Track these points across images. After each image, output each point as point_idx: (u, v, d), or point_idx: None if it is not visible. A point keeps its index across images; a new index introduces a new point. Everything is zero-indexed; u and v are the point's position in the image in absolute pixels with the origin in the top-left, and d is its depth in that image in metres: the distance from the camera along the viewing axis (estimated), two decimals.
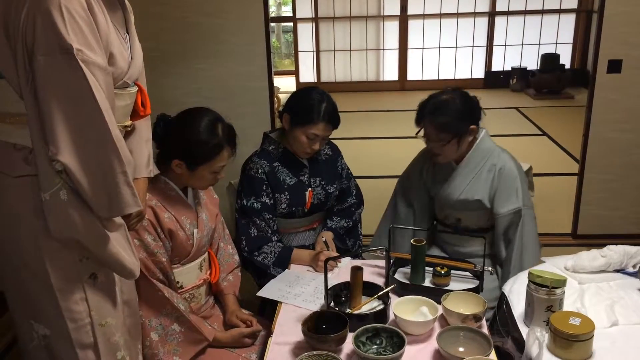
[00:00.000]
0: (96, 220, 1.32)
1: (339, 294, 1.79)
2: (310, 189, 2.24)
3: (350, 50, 7.68)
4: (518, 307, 1.74)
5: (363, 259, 2.25)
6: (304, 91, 2.21)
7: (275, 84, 3.33)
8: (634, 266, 1.94)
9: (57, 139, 1.23)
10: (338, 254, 2.10)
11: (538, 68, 7.25)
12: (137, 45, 1.53)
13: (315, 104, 2.10)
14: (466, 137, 2.13)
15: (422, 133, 2.18)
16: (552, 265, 1.97)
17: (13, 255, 1.40)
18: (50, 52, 1.21)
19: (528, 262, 2.04)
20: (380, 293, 1.76)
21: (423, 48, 7.63)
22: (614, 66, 2.94)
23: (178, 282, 1.85)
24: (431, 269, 1.89)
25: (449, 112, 2.08)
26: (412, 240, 1.86)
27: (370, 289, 1.79)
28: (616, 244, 1.97)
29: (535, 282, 1.61)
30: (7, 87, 1.31)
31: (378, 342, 1.56)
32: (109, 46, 1.34)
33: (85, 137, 1.26)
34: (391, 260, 1.94)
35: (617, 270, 1.93)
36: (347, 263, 2.09)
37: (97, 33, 1.29)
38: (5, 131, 1.35)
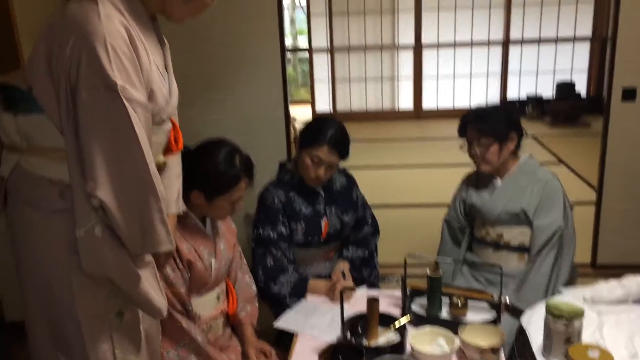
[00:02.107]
0: (128, 257, 1.31)
1: (355, 325, 1.79)
2: (325, 218, 2.25)
3: (366, 79, 7.76)
4: (537, 339, 1.72)
5: (379, 288, 2.24)
6: (318, 118, 2.27)
7: (291, 114, 3.37)
8: None
9: (96, 174, 1.22)
10: (354, 284, 2.10)
11: (554, 96, 7.26)
12: (174, 82, 1.53)
13: (323, 128, 2.13)
14: (507, 143, 2.23)
15: (465, 148, 2.30)
16: (571, 296, 1.95)
17: (43, 290, 1.40)
18: (95, 88, 1.22)
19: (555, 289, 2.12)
20: (396, 325, 1.76)
21: (438, 77, 7.69)
22: (629, 94, 2.95)
23: (196, 312, 1.87)
24: (448, 299, 1.89)
25: (490, 117, 2.24)
26: (427, 271, 1.86)
27: (387, 320, 1.78)
28: (634, 274, 1.95)
29: (552, 313, 1.60)
30: (47, 122, 1.32)
31: None
32: (149, 83, 1.35)
33: (124, 173, 1.25)
34: (407, 291, 1.93)
35: (636, 301, 1.91)
36: (363, 293, 2.09)
37: (139, 70, 1.30)
38: (43, 166, 1.36)
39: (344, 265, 2.26)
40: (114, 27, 1.25)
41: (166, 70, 1.51)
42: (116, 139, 1.24)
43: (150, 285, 1.39)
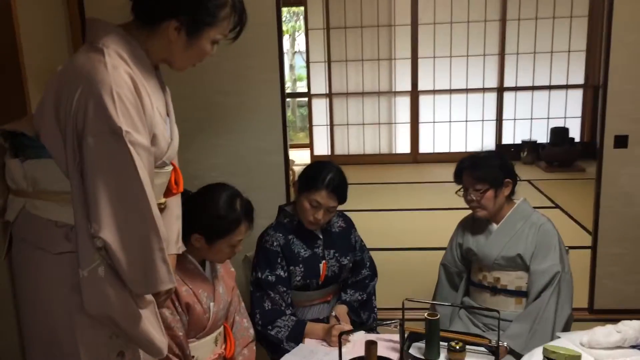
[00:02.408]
0: (130, 297, 1.34)
1: None
2: (324, 260, 2.27)
3: (363, 124, 7.87)
4: None
5: (377, 332, 2.24)
6: (317, 162, 2.31)
7: (290, 157, 3.41)
8: None
9: (100, 216, 1.26)
10: (352, 328, 2.11)
11: (548, 141, 7.36)
12: (175, 126, 1.59)
13: (322, 173, 2.17)
14: (502, 189, 2.28)
15: (460, 193, 2.34)
16: (568, 341, 1.95)
17: (44, 331, 1.41)
18: (101, 133, 1.26)
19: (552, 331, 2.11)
20: None
21: (434, 122, 7.80)
22: (620, 141, 3.00)
23: (193, 356, 1.86)
24: (446, 343, 1.89)
25: (485, 164, 2.29)
26: (425, 314, 1.87)
27: None
28: (631, 319, 1.95)
29: (550, 358, 1.60)
30: (54, 166, 1.37)
31: None
32: (152, 127, 1.40)
33: (128, 215, 1.29)
34: (405, 335, 1.94)
35: (633, 346, 1.91)
36: (361, 337, 2.09)
37: (143, 115, 1.35)
38: (49, 209, 1.40)
39: (341, 309, 2.26)
40: (120, 76, 1.31)
41: (168, 115, 1.56)
42: (120, 182, 1.28)
43: (151, 324, 1.41)
